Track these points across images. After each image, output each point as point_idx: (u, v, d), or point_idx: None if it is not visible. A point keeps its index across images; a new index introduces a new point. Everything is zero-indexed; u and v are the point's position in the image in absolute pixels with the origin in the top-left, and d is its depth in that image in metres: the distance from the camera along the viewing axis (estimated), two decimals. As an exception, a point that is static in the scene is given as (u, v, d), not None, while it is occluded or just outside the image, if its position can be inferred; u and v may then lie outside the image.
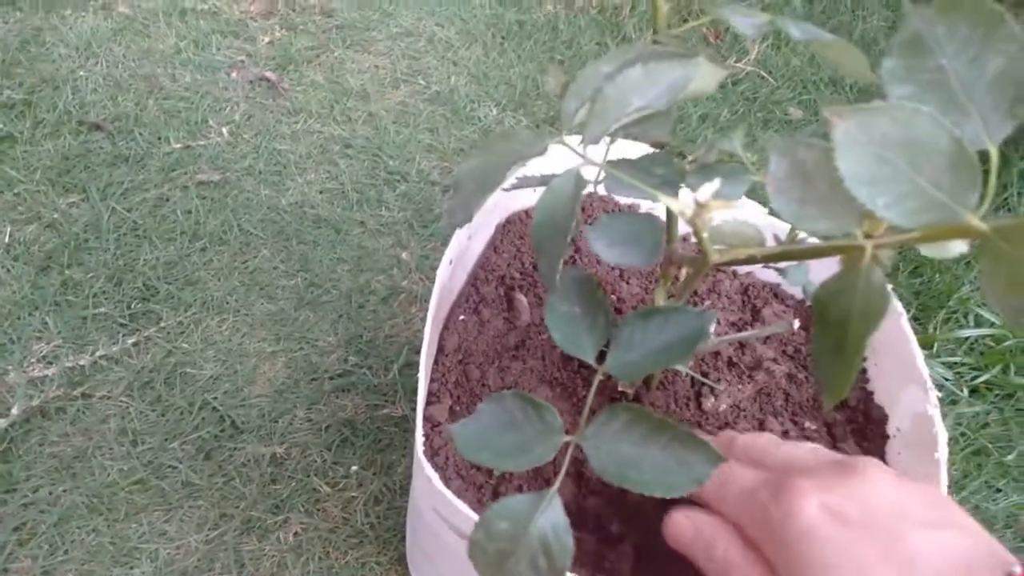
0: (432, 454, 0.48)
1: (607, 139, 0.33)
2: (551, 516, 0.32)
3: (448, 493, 0.41)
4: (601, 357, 0.37)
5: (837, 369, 0.29)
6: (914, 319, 0.90)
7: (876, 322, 0.28)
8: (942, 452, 0.47)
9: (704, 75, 0.28)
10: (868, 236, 0.29)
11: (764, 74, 1.19)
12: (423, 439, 0.44)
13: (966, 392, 0.88)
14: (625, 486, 0.32)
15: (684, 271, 0.46)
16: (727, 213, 0.29)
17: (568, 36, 1.22)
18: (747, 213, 0.52)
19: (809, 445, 0.37)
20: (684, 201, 0.26)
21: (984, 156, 0.28)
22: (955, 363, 0.90)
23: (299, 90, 1.09)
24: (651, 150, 0.35)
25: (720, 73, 0.29)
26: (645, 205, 0.60)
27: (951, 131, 0.27)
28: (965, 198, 0.27)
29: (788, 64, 1.22)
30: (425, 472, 0.42)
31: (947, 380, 0.88)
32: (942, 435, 0.48)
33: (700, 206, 0.25)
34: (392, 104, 1.09)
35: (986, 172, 0.29)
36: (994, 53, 0.27)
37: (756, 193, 0.40)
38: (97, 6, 1.19)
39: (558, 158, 0.35)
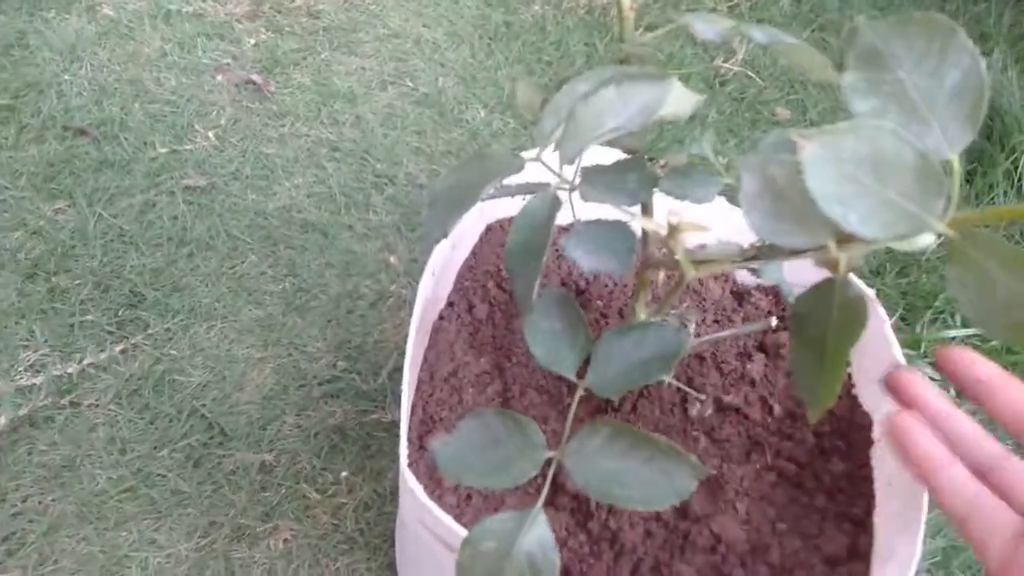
0: (419, 464, 0.48)
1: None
2: (537, 534, 0.32)
3: (434, 507, 0.41)
4: (584, 370, 0.37)
5: (820, 383, 0.30)
6: (901, 319, 0.90)
7: (856, 334, 0.28)
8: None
9: (679, 98, 0.28)
10: (841, 246, 0.29)
11: (751, 74, 1.20)
12: (407, 450, 0.44)
13: (953, 393, 0.89)
14: (608, 501, 0.32)
15: (662, 274, 0.46)
16: (706, 236, 0.29)
17: (556, 37, 1.22)
18: (720, 212, 0.52)
19: None
20: (657, 223, 0.26)
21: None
22: (941, 362, 0.91)
23: (286, 93, 1.09)
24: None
25: (694, 98, 0.29)
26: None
27: (914, 145, 0.27)
28: (932, 206, 0.27)
29: (775, 64, 1.22)
30: (409, 485, 0.42)
31: (935, 380, 0.89)
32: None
33: (672, 227, 0.25)
34: (379, 106, 1.09)
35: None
36: (950, 66, 0.27)
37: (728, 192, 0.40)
38: (81, 8, 1.18)
39: (535, 170, 0.35)
